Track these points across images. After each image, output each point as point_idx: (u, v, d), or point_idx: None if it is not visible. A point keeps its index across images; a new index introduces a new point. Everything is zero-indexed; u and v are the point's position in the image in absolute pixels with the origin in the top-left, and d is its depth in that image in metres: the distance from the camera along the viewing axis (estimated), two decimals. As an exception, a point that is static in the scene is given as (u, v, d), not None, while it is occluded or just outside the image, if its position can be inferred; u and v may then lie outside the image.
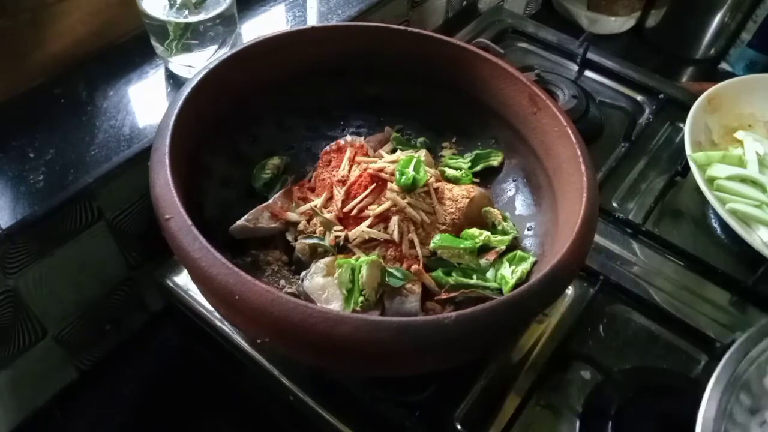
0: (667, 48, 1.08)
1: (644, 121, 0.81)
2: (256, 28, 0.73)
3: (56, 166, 0.54)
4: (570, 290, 0.62)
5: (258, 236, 0.55)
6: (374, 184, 0.55)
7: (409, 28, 0.62)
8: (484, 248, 0.55)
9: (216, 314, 0.56)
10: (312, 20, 0.75)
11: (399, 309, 0.50)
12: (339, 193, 0.55)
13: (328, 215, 0.53)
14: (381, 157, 0.59)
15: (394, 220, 0.52)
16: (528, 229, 0.59)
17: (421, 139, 0.65)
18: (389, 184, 0.54)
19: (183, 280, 0.59)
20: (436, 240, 0.53)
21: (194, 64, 0.64)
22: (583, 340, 0.59)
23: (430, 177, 0.56)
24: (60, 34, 0.60)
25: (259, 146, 0.62)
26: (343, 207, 0.54)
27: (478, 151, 0.64)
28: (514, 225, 0.58)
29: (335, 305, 0.49)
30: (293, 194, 0.58)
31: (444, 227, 0.55)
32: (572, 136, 0.53)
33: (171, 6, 0.61)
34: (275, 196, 0.57)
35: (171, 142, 0.47)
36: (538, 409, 0.54)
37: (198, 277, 0.42)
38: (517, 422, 0.52)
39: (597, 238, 0.65)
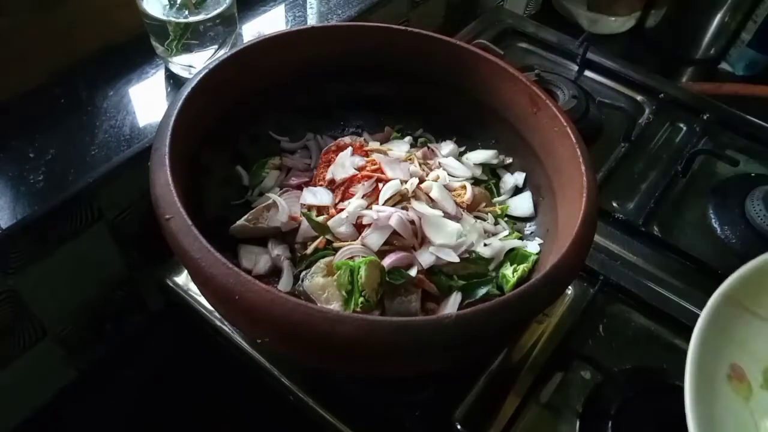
0: (667, 48, 1.08)
1: (644, 121, 0.81)
2: (256, 28, 0.73)
3: (56, 166, 0.54)
4: (570, 290, 0.62)
5: (258, 236, 0.55)
6: (373, 187, 0.55)
7: (409, 28, 0.62)
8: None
9: (216, 314, 0.56)
10: (312, 20, 0.75)
11: (399, 309, 0.50)
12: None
13: (320, 219, 0.53)
14: (384, 152, 0.59)
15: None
16: (528, 229, 0.59)
17: (421, 140, 0.65)
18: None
19: (183, 280, 0.59)
20: None
21: (194, 64, 0.64)
22: (583, 340, 0.59)
23: (433, 177, 0.56)
24: (60, 34, 0.60)
25: (259, 146, 0.62)
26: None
27: (478, 152, 0.64)
28: (514, 224, 0.58)
29: (335, 305, 0.49)
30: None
31: (444, 227, 0.55)
32: (572, 136, 0.53)
33: (171, 6, 0.61)
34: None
35: (171, 142, 0.47)
36: (538, 409, 0.54)
37: (198, 277, 0.42)
38: (517, 422, 0.52)
39: (597, 238, 0.65)
